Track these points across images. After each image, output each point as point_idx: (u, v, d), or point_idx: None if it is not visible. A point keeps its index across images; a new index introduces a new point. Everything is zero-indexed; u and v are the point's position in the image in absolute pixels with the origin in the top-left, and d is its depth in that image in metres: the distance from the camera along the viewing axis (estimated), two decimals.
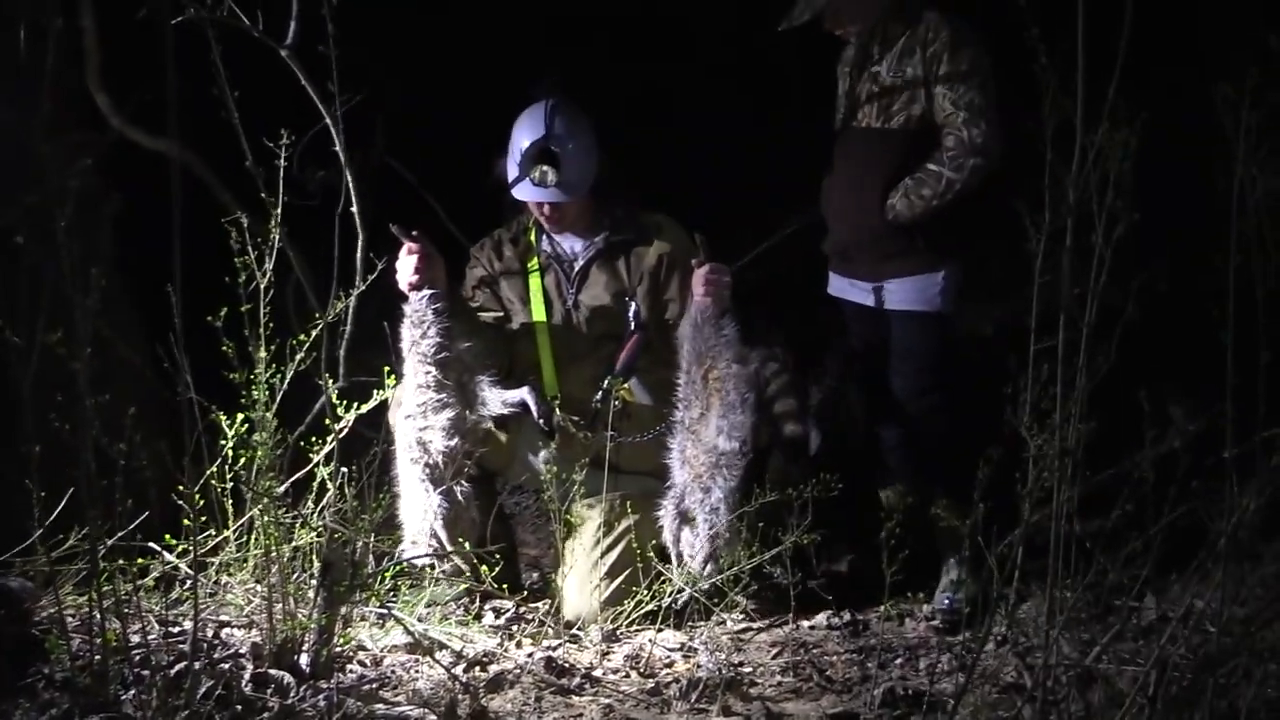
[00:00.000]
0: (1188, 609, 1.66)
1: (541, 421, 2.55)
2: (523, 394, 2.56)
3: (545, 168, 2.64)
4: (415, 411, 2.51)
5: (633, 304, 2.71)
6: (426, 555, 2.50)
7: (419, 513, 2.51)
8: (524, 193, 2.70)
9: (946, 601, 2.60)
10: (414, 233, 2.54)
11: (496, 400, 2.53)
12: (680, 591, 2.46)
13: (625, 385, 2.67)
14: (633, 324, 2.68)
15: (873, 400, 2.89)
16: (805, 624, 2.55)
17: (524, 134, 2.69)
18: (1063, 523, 1.68)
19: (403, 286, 2.55)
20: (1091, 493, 1.67)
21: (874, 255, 2.70)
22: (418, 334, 2.52)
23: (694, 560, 2.52)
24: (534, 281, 2.79)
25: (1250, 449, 1.60)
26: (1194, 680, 1.56)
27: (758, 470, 2.60)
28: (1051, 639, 1.67)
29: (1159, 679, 1.61)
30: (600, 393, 2.65)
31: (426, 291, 2.53)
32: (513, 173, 2.70)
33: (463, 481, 2.52)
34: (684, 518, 2.55)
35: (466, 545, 2.47)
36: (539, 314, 2.77)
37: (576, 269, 2.78)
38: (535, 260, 2.81)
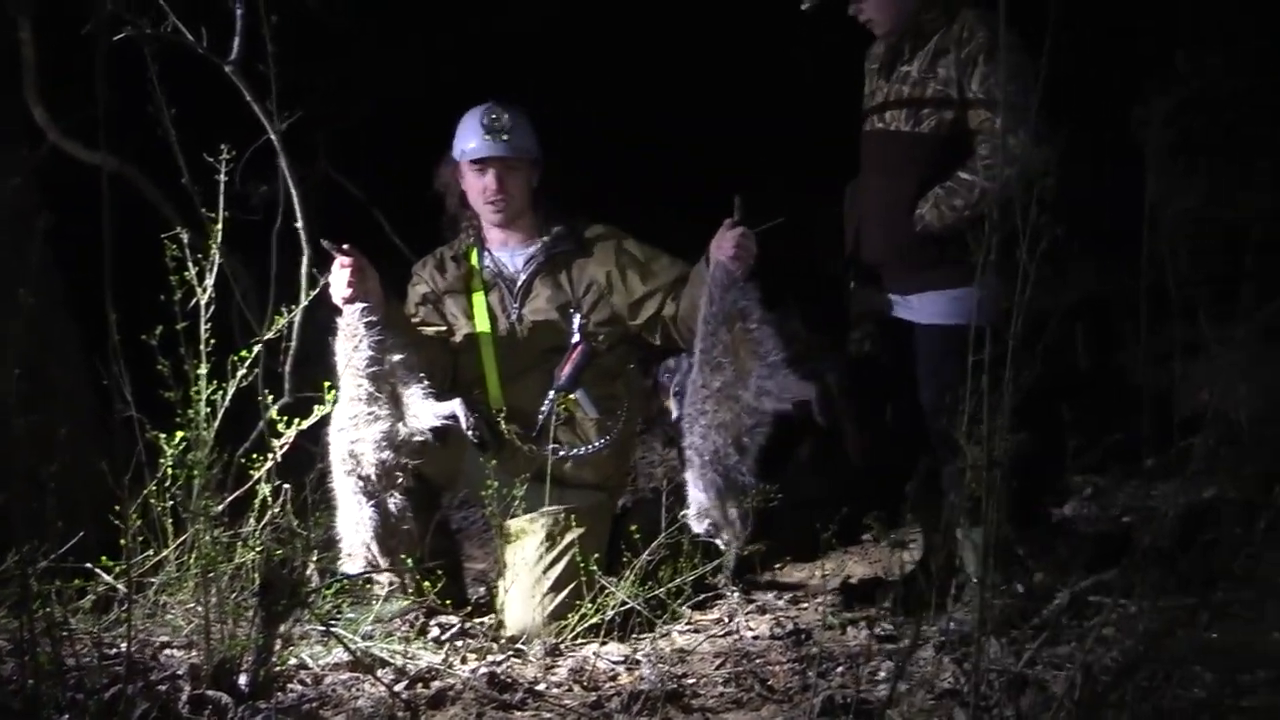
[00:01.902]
0: (1106, 614, 1.71)
1: (471, 434, 2.54)
2: (453, 406, 2.53)
3: (495, 114, 2.69)
4: (347, 424, 2.49)
5: (576, 316, 2.71)
6: (364, 570, 2.49)
7: (353, 526, 2.50)
8: (479, 149, 2.70)
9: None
10: (345, 246, 2.53)
11: (428, 412, 2.52)
12: (623, 605, 2.46)
13: (571, 398, 2.68)
14: (576, 335, 2.69)
15: (897, 416, 2.71)
16: (749, 634, 2.56)
17: (466, 124, 2.73)
18: (992, 529, 1.72)
19: (336, 300, 2.54)
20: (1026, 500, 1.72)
21: (904, 266, 2.56)
22: (350, 347, 2.51)
23: (736, 526, 2.45)
24: (477, 299, 2.78)
25: (1169, 459, 1.66)
26: (1113, 683, 1.60)
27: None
28: (981, 644, 1.70)
29: (1084, 683, 1.65)
30: (545, 405, 2.66)
31: (359, 305, 2.53)
32: (460, 151, 2.74)
33: (396, 494, 2.51)
34: (729, 485, 2.42)
35: (404, 559, 2.46)
36: (483, 329, 2.76)
37: (519, 283, 2.77)
38: (478, 277, 2.80)
